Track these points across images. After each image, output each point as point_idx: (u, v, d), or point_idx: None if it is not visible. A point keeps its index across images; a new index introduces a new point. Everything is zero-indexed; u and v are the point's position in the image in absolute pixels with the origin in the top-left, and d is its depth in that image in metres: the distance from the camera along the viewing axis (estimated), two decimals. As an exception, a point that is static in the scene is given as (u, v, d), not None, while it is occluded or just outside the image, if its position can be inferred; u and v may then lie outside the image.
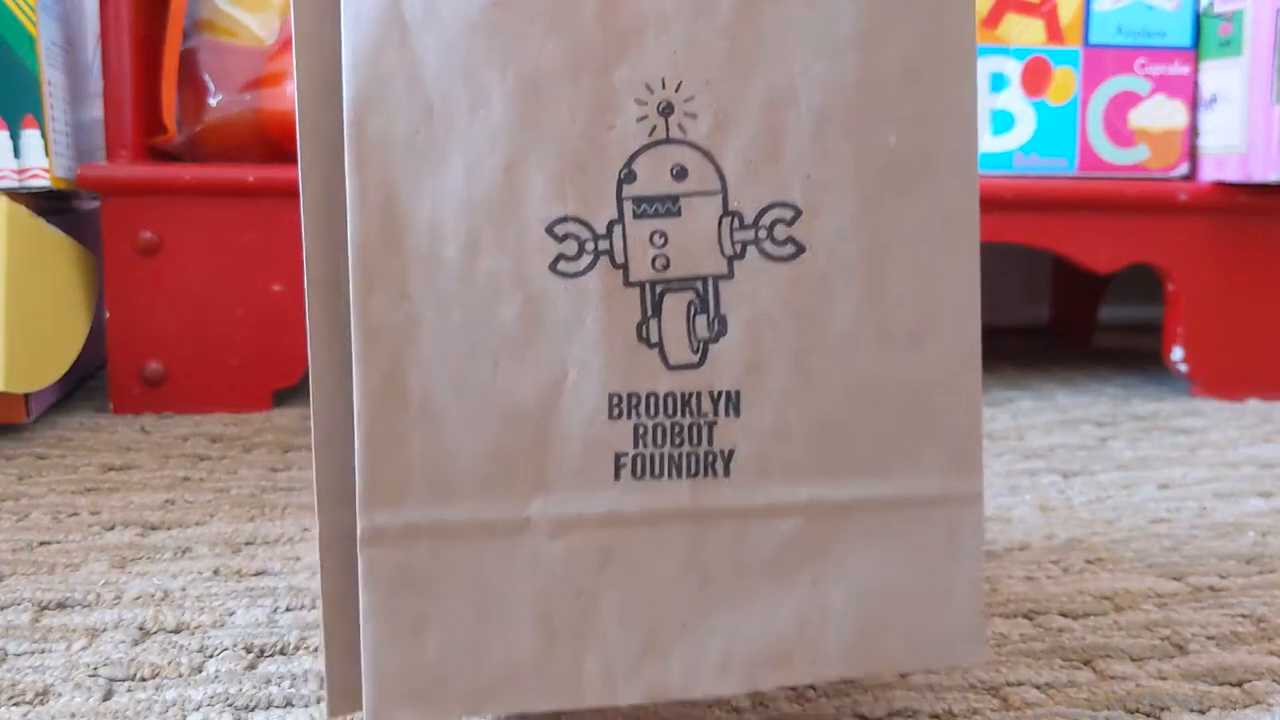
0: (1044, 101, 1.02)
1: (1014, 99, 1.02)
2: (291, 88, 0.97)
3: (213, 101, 0.98)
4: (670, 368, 0.37)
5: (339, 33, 0.36)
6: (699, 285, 0.37)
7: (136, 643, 0.49)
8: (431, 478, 0.36)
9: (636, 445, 0.37)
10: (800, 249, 0.37)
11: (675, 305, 0.37)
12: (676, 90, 0.37)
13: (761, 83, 0.37)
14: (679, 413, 0.37)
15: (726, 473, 0.38)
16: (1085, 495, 0.74)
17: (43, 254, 0.89)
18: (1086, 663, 0.48)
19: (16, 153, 0.90)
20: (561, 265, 0.36)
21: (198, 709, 0.43)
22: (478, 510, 0.36)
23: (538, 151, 0.36)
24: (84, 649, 0.49)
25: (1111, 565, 0.60)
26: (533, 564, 0.37)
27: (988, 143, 1.03)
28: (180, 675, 0.46)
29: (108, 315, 0.95)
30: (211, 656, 0.48)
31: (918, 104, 0.38)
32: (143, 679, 0.46)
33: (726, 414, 0.37)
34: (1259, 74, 0.98)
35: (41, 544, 0.62)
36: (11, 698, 0.44)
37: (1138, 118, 1.03)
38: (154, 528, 0.65)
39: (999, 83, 1.02)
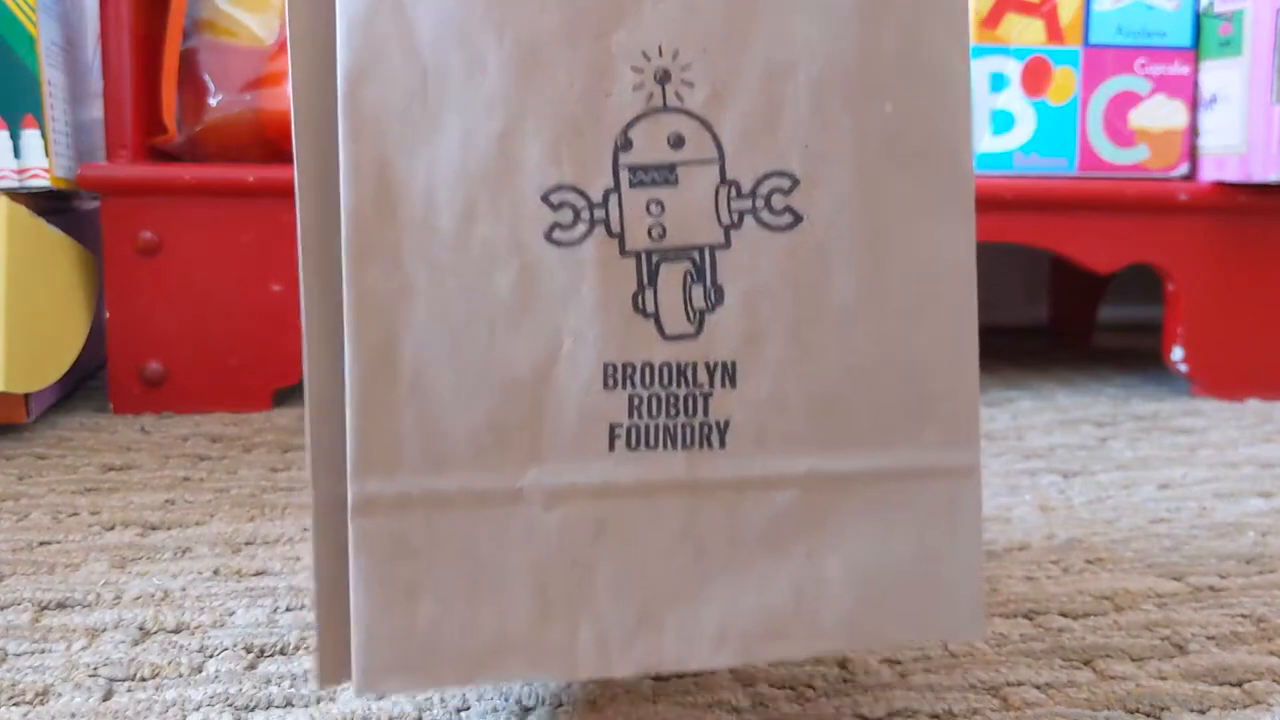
0: (1044, 101, 1.02)
1: (1014, 99, 1.02)
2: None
3: (213, 101, 0.98)
4: (666, 338, 0.37)
5: (333, 6, 0.36)
6: (696, 255, 0.37)
7: (136, 643, 0.49)
8: (425, 447, 0.36)
9: (631, 416, 0.37)
10: (798, 219, 0.37)
11: (671, 275, 0.37)
12: (674, 58, 0.37)
13: (760, 52, 0.37)
14: (674, 383, 0.37)
15: (722, 444, 0.37)
16: (1085, 495, 0.74)
17: (43, 254, 0.89)
18: (1086, 663, 0.48)
19: (16, 153, 0.90)
20: (557, 234, 0.36)
21: (198, 709, 0.43)
22: (471, 480, 0.36)
23: (534, 118, 0.36)
24: (84, 649, 0.48)
25: (1111, 565, 0.60)
26: (527, 534, 0.36)
27: (988, 143, 1.02)
28: (180, 675, 0.46)
29: (108, 315, 0.95)
30: (211, 656, 0.48)
31: (916, 77, 0.38)
32: (143, 679, 0.46)
33: (723, 385, 0.37)
34: (1259, 74, 0.98)
35: (41, 544, 0.62)
36: (11, 698, 0.44)
37: (1138, 118, 1.03)
38: (154, 528, 0.65)
39: (999, 83, 1.02)
